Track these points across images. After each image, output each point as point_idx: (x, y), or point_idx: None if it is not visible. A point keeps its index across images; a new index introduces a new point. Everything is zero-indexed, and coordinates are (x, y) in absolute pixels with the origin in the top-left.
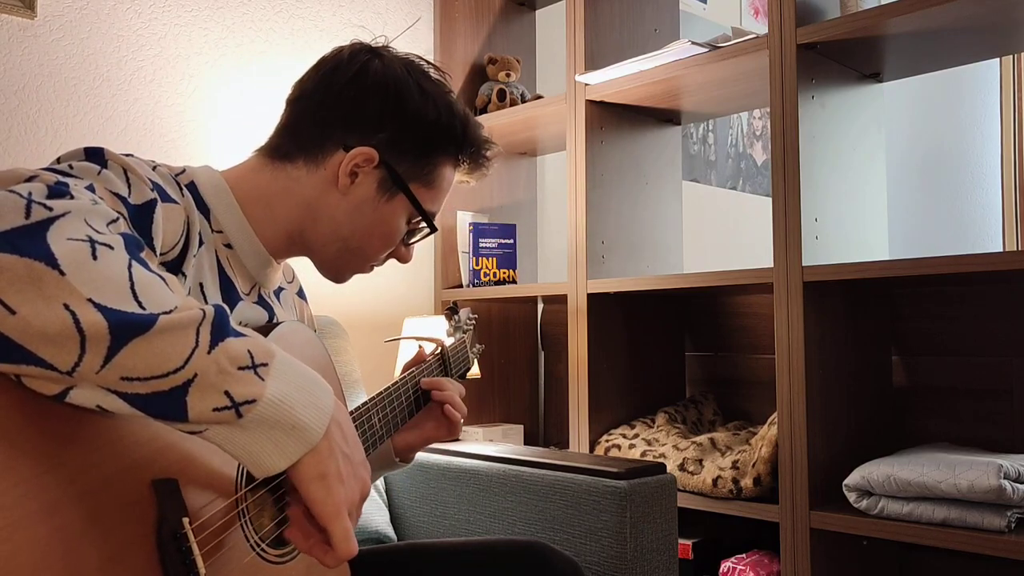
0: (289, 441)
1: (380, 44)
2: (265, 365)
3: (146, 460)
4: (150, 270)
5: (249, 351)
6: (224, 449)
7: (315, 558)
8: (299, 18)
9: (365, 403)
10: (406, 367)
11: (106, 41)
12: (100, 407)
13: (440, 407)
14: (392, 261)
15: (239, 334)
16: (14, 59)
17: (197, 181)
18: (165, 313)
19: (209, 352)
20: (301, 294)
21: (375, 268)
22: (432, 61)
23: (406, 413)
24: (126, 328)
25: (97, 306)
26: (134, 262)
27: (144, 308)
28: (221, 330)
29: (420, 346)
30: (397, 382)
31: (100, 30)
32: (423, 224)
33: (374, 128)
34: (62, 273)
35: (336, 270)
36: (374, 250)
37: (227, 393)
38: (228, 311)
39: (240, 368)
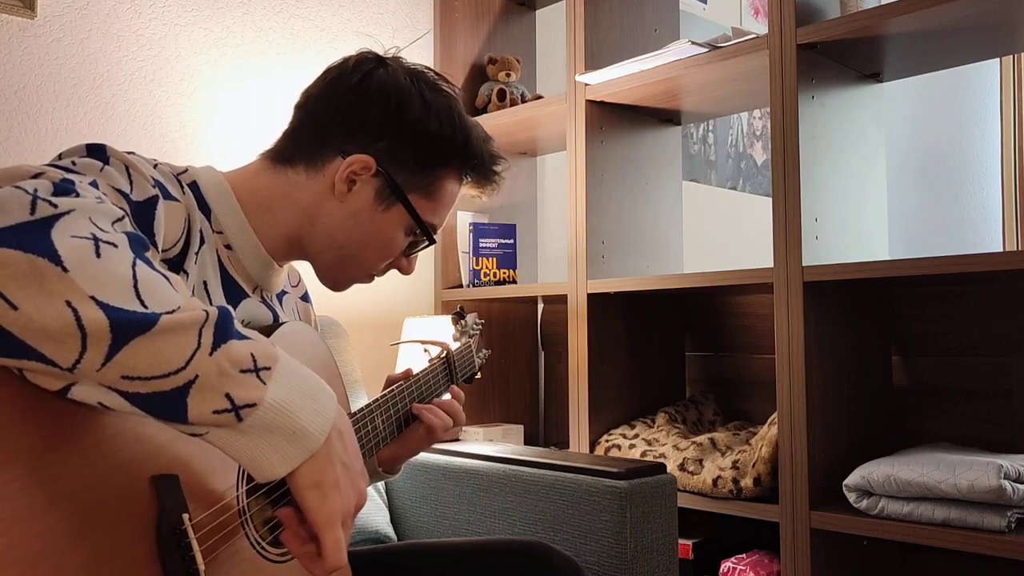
0: (289, 447)
1: (390, 54)
2: (268, 369)
3: (147, 455)
4: (154, 269)
5: (252, 354)
6: (226, 453)
7: (303, 566)
8: (299, 18)
9: (368, 405)
10: (390, 380)
11: (106, 41)
12: (101, 404)
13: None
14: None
15: (243, 337)
16: (14, 59)
17: (199, 181)
18: (168, 313)
19: (211, 354)
20: (306, 297)
21: (376, 278)
22: (440, 72)
23: (402, 422)
24: (127, 327)
25: (99, 304)
26: (138, 261)
27: (147, 307)
28: (224, 332)
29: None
30: (401, 385)
31: (100, 30)
32: (423, 235)
33: (373, 136)
34: (65, 270)
35: (333, 278)
36: (371, 260)
37: (228, 396)
38: (233, 313)
39: (242, 371)
